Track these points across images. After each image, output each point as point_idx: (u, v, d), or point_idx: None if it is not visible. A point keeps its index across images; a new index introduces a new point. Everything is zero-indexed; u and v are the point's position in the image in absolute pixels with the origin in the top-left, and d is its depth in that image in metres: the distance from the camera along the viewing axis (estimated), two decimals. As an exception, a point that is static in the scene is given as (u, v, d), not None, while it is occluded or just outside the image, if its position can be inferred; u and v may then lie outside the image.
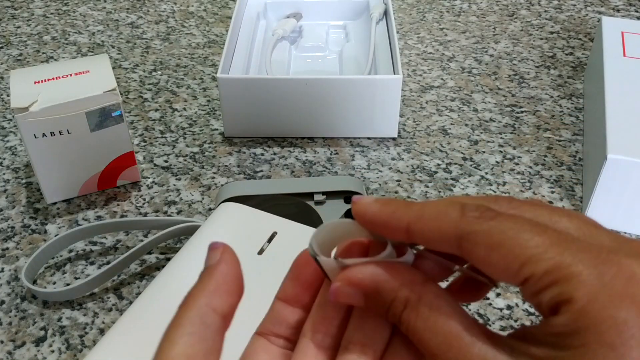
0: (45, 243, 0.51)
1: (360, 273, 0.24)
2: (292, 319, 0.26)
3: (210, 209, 0.57)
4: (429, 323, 0.22)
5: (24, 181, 0.60)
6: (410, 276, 0.23)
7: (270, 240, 0.44)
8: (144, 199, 0.58)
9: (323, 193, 0.54)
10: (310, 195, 0.54)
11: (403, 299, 0.23)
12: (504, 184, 0.60)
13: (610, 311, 0.19)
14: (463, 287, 0.25)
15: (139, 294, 0.49)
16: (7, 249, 0.53)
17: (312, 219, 0.51)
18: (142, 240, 0.53)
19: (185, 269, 0.43)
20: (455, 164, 0.62)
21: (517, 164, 0.62)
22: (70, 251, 0.53)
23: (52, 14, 0.89)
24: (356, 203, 0.24)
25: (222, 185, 0.59)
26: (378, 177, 0.60)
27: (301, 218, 0.48)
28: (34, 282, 0.51)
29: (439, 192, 0.59)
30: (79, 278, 0.51)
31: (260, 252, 0.43)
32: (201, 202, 0.58)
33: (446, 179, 0.61)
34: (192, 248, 0.44)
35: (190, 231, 0.51)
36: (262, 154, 0.63)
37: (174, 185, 0.60)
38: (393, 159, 0.63)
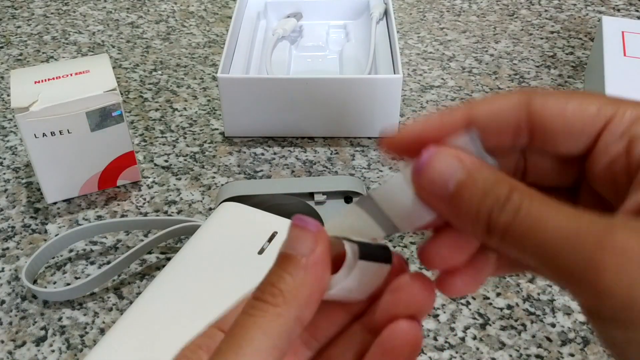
0: (45, 243, 0.51)
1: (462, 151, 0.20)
2: None
3: (210, 209, 0.57)
4: (544, 214, 0.18)
5: (24, 181, 0.60)
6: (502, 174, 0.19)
7: (270, 240, 0.44)
8: (144, 199, 0.58)
9: (323, 193, 0.54)
10: (310, 195, 0.54)
11: (510, 185, 0.19)
12: (505, 183, 0.60)
13: None
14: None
15: (139, 293, 0.49)
16: (8, 248, 0.53)
17: None
18: (142, 240, 0.53)
19: (185, 268, 0.43)
20: (456, 163, 0.62)
21: (517, 163, 0.62)
22: (71, 251, 0.53)
23: (52, 13, 0.89)
24: (385, 138, 0.21)
25: (222, 185, 0.59)
26: (378, 177, 0.60)
27: None
28: (34, 282, 0.51)
29: (439, 191, 0.59)
30: (79, 278, 0.51)
31: (261, 251, 0.43)
32: (201, 201, 0.58)
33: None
34: (193, 248, 0.44)
35: (191, 231, 0.51)
36: (263, 154, 0.63)
37: (174, 185, 0.60)
38: (393, 158, 0.63)
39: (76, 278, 0.51)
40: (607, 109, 0.19)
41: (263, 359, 0.19)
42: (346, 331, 0.24)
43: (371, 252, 0.22)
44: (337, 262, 0.22)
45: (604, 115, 0.19)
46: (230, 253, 0.43)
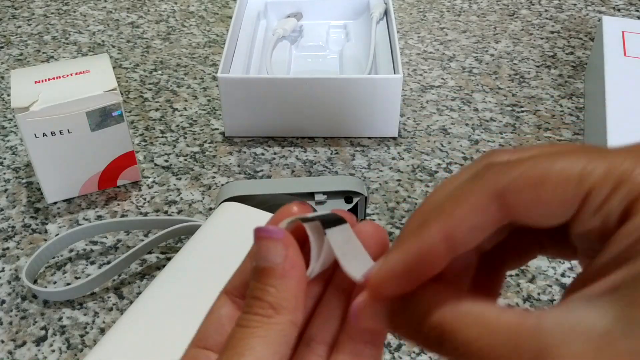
0: (45, 243, 0.51)
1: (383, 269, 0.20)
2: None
3: (210, 209, 0.57)
4: (471, 314, 0.19)
5: (24, 181, 0.60)
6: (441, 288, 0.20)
7: None
8: (145, 199, 0.58)
9: (324, 193, 0.54)
10: (310, 195, 0.54)
11: (441, 299, 0.19)
12: (505, 183, 0.60)
13: None
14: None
15: (139, 293, 0.49)
16: (8, 248, 0.53)
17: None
18: (142, 240, 0.53)
19: (185, 268, 0.43)
20: (456, 163, 0.62)
21: (517, 163, 0.62)
22: (71, 251, 0.53)
23: (52, 13, 0.89)
24: (371, 282, 0.21)
25: (222, 185, 0.59)
26: (378, 177, 0.60)
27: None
28: (35, 282, 0.51)
29: (440, 191, 0.59)
30: (79, 278, 0.51)
31: None
32: (201, 201, 0.58)
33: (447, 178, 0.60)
34: (193, 248, 0.44)
35: (191, 231, 0.51)
36: (263, 154, 0.63)
37: (175, 185, 0.60)
38: (393, 158, 0.63)
39: (76, 278, 0.51)
40: (582, 187, 0.19)
41: None
42: (323, 299, 0.24)
43: (329, 220, 0.23)
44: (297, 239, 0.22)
45: (579, 196, 0.19)
46: (230, 253, 0.43)
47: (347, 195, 0.54)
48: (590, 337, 0.16)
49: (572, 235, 0.20)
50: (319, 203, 0.53)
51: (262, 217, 0.46)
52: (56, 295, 0.48)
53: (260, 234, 0.22)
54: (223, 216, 0.46)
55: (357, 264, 0.22)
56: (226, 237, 0.44)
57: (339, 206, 0.54)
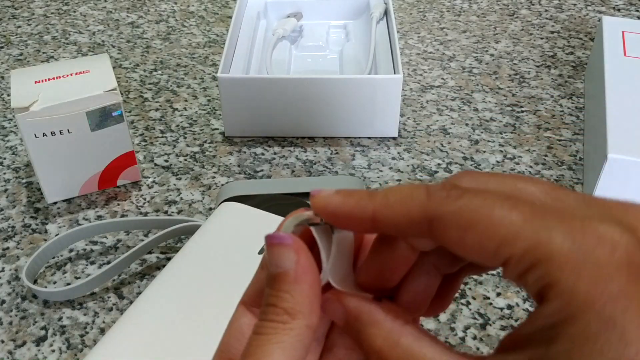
0: (45, 243, 0.51)
1: (349, 293, 0.23)
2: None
3: (210, 209, 0.57)
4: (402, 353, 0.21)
5: (24, 181, 0.60)
6: (393, 314, 0.22)
7: None
8: (145, 199, 0.58)
9: None
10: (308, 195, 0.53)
11: (382, 337, 0.22)
12: (505, 183, 0.60)
13: (602, 286, 0.18)
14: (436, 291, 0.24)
15: (139, 293, 0.49)
16: (8, 248, 0.53)
17: None
18: (142, 240, 0.53)
19: (186, 268, 0.43)
20: (456, 163, 0.62)
21: (517, 163, 0.62)
22: (71, 251, 0.53)
23: (52, 13, 0.89)
24: (315, 196, 0.23)
25: (222, 184, 0.59)
26: (378, 177, 0.60)
27: None
28: (35, 282, 0.51)
29: (440, 191, 0.59)
30: (79, 277, 0.51)
31: (261, 251, 0.43)
32: (201, 201, 0.58)
33: (447, 178, 0.60)
34: (193, 248, 0.44)
35: (191, 231, 0.51)
36: (263, 154, 0.63)
37: (175, 184, 0.60)
38: (393, 158, 0.63)
39: (76, 278, 0.51)
40: (501, 251, 0.19)
41: None
42: None
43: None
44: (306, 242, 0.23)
45: (498, 258, 0.19)
46: (230, 253, 0.43)
47: None
48: None
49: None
50: None
51: (262, 218, 0.46)
52: (56, 295, 0.48)
53: (271, 241, 0.22)
54: (223, 216, 0.46)
55: (337, 268, 0.23)
56: (226, 237, 0.44)
57: None
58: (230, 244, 0.43)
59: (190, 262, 0.43)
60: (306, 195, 0.53)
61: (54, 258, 0.53)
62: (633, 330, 0.17)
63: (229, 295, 0.38)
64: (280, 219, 0.46)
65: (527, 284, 0.19)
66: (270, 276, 0.22)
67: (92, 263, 0.52)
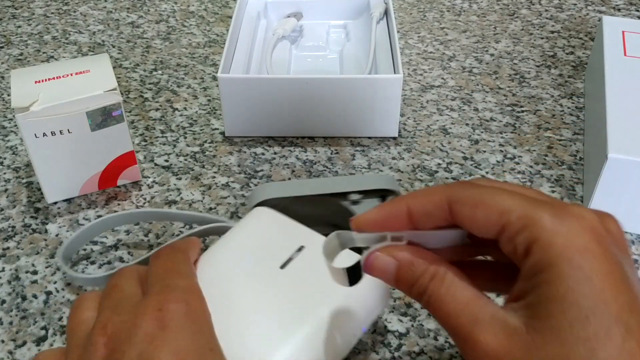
0: (88, 223, 0.52)
1: (399, 249, 0.30)
2: None
3: (210, 209, 0.57)
4: (452, 290, 0.29)
5: (24, 181, 0.60)
6: (436, 257, 0.30)
7: (295, 253, 0.42)
8: (145, 199, 0.58)
9: (359, 192, 0.51)
10: (343, 195, 0.51)
11: (431, 273, 0.29)
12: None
13: (572, 241, 0.25)
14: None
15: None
16: (8, 248, 0.53)
17: (347, 221, 0.48)
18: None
19: (203, 273, 0.41)
20: (456, 163, 0.62)
21: (517, 163, 0.62)
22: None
23: (52, 13, 0.89)
24: (354, 221, 0.31)
25: (222, 185, 0.59)
26: (378, 177, 0.60)
27: (338, 219, 0.48)
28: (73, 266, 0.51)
29: (440, 191, 0.59)
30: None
31: (283, 266, 0.41)
32: (202, 201, 0.58)
33: (447, 178, 0.61)
34: (222, 252, 0.43)
35: (219, 232, 0.50)
36: (263, 154, 0.63)
37: (175, 184, 0.60)
38: (393, 158, 0.63)
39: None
40: (500, 219, 0.27)
41: None
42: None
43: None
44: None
45: (498, 224, 0.27)
46: (252, 264, 0.41)
47: (382, 195, 0.52)
48: (505, 328, 0.27)
49: (505, 254, 0.29)
50: (355, 203, 0.51)
51: (292, 229, 0.44)
52: (91, 282, 0.49)
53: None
54: (253, 223, 0.45)
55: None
56: (251, 247, 0.43)
57: (374, 204, 0.51)
58: (254, 254, 0.42)
59: (216, 265, 0.41)
60: (340, 195, 0.51)
61: (53, 258, 0.53)
62: (594, 273, 0.25)
63: (241, 306, 0.37)
64: (310, 232, 0.43)
65: (517, 243, 0.27)
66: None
67: (92, 263, 0.52)
